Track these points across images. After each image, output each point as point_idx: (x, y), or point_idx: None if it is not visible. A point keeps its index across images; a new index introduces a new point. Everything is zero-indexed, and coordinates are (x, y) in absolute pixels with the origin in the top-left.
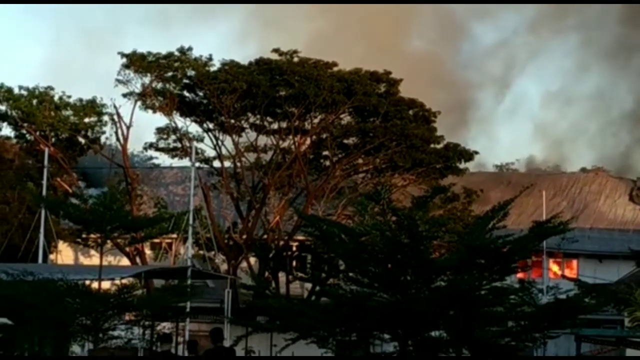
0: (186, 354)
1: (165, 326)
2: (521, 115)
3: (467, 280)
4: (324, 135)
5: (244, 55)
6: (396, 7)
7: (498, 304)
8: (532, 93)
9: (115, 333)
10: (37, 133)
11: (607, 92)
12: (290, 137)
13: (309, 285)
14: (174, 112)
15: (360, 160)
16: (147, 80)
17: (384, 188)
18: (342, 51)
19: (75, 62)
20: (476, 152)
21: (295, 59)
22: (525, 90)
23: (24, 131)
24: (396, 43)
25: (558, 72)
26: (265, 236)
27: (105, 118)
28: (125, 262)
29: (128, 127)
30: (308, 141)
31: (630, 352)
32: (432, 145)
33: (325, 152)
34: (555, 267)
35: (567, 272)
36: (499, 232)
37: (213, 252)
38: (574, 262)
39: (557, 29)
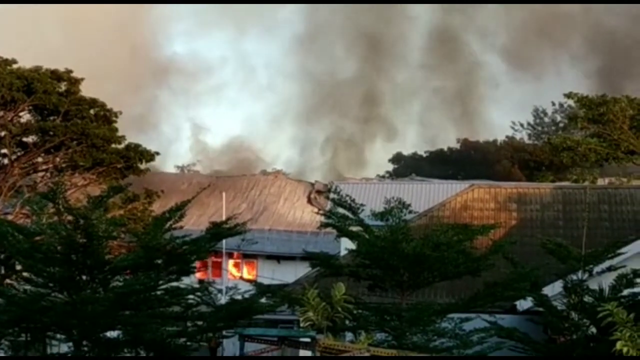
0: None
1: None
2: (209, 114)
3: (142, 280)
4: (3, 133)
5: None
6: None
7: (175, 304)
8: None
9: None
10: None
11: (294, 89)
12: None
13: None
14: None
15: (40, 159)
16: None
17: (59, 187)
18: (23, 49)
19: None
20: (157, 153)
21: None
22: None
23: None
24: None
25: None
26: None
27: None
28: None
29: None
30: None
31: (303, 352)
32: (113, 145)
33: (4, 150)
34: (234, 268)
35: (247, 273)
36: (178, 232)
37: None
38: (254, 263)
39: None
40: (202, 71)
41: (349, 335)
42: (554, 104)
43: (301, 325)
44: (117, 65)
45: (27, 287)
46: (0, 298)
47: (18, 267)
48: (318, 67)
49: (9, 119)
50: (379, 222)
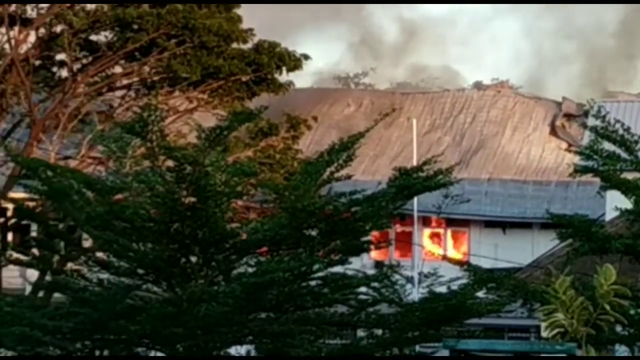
0: None
1: None
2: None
3: (287, 264)
4: (58, 28)
5: None
6: None
7: (338, 301)
8: None
9: None
10: None
11: None
12: (3, 29)
13: (35, 273)
14: None
15: (118, 69)
16: None
17: (150, 114)
18: None
19: None
20: (307, 57)
21: None
22: None
23: None
24: None
25: None
26: None
27: None
28: None
29: None
30: (32, 36)
31: None
32: (234, 45)
33: (61, 56)
34: (433, 242)
35: (453, 249)
36: (342, 185)
37: None
38: (465, 234)
39: None
40: None
41: (622, 350)
42: None
43: (543, 333)
44: None
45: (104, 275)
46: (61, 293)
47: (88, 244)
48: None
49: (68, 5)
50: None
